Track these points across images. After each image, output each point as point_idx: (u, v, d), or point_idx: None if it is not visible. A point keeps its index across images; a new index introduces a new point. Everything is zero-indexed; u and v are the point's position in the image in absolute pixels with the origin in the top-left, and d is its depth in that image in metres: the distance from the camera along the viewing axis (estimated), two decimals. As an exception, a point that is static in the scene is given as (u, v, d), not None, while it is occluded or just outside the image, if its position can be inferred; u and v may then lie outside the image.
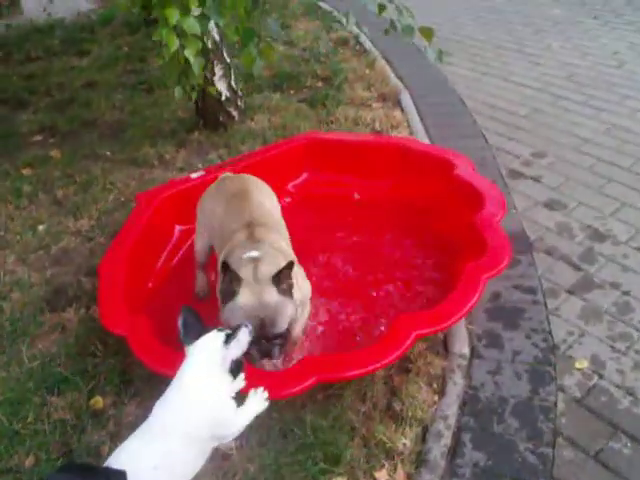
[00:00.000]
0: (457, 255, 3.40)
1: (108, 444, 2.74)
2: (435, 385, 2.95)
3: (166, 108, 5.75)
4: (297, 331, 3.02)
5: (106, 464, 2.07)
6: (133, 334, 2.86)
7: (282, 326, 2.72)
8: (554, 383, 2.93)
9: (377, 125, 5.07)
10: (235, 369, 2.35)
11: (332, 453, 2.65)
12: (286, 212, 3.52)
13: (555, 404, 2.85)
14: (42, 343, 3.32)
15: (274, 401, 2.52)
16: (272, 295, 2.69)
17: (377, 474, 2.61)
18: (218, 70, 5.05)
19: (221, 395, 2.29)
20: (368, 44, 7.18)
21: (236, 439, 2.50)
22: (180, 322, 2.39)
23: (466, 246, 3.40)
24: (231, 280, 2.70)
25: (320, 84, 6.06)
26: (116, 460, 2.08)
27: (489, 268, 3.07)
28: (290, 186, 4.28)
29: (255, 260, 2.80)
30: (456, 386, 2.94)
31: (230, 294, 2.71)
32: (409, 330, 2.75)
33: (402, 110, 5.46)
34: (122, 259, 3.36)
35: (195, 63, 3.50)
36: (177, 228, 3.92)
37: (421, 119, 5.31)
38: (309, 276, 3.16)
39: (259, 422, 2.50)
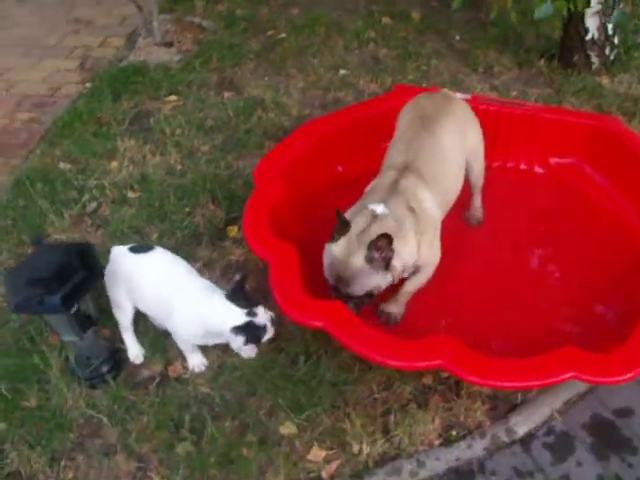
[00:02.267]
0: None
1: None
2: (453, 432, 2.55)
3: (547, 22, 5.15)
4: (406, 287, 2.87)
5: None
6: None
7: (356, 291, 2.65)
8: None
9: None
10: (237, 347, 2.56)
11: (304, 402, 2.59)
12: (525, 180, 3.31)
13: None
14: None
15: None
16: (358, 260, 2.58)
17: (312, 453, 2.48)
18: (595, 3, 4.33)
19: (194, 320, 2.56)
20: None
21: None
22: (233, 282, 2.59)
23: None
24: (340, 224, 2.64)
25: None
26: None
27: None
28: (552, 161, 3.69)
29: (374, 217, 2.66)
30: (467, 450, 2.51)
31: (333, 236, 2.67)
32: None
33: None
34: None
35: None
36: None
37: None
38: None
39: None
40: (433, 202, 2.84)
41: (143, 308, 2.73)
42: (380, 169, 2.96)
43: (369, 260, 2.56)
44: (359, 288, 2.62)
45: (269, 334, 2.51)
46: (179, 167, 3.79)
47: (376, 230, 2.57)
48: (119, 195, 3.61)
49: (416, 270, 2.83)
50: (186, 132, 4.05)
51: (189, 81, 4.53)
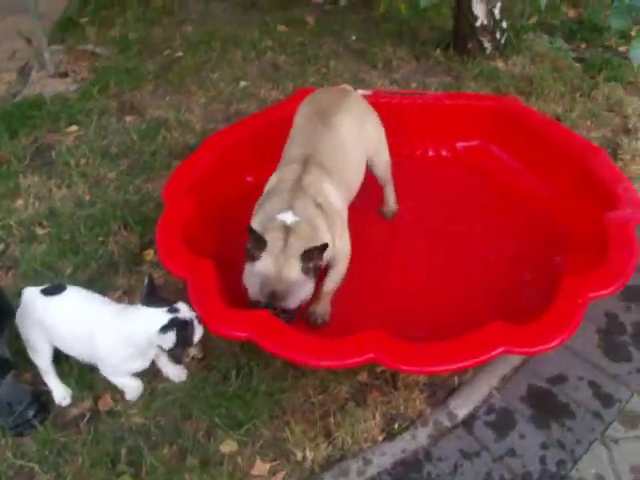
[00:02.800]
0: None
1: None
2: (395, 425, 2.51)
3: (437, 14, 5.28)
4: (326, 288, 2.83)
5: None
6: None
7: (293, 304, 2.60)
8: None
9: (632, 122, 4.09)
10: (170, 349, 2.43)
11: (241, 417, 2.51)
12: (434, 166, 3.36)
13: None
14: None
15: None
16: (293, 272, 2.54)
17: (256, 467, 2.40)
18: (480, -11, 4.45)
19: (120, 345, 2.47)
20: None
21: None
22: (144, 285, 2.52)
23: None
24: (255, 242, 2.57)
25: (622, 47, 4.94)
26: None
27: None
28: (459, 145, 3.75)
29: (288, 229, 2.60)
30: (412, 441, 2.48)
31: (251, 255, 2.59)
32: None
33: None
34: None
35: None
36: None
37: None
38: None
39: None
40: (337, 195, 2.83)
41: (65, 350, 2.61)
42: (279, 164, 2.94)
43: (305, 270, 2.54)
44: (295, 300, 2.59)
45: (198, 332, 2.42)
46: (87, 197, 3.67)
47: (297, 241, 2.54)
48: (27, 233, 3.46)
49: (331, 265, 2.81)
50: (91, 161, 3.93)
51: (88, 109, 4.41)
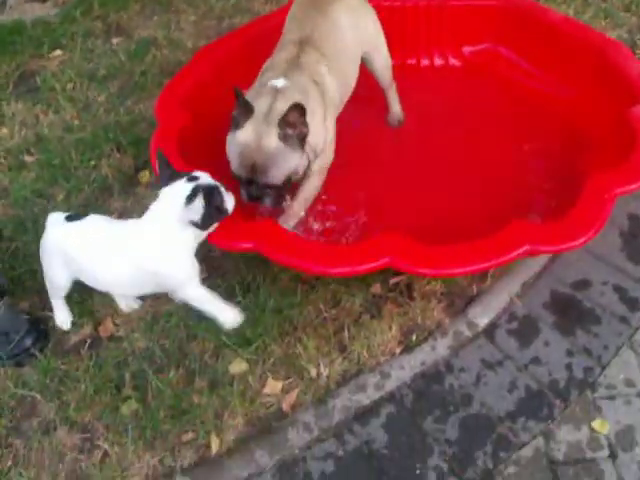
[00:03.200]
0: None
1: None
2: (413, 337, 2.40)
3: None
4: (302, 192, 2.63)
5: None
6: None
7: (275, 177, 2.39)
8: (541, 426, 2.15)
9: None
10: (204, 221, 2.17)
11: (249, 335, 2.40)
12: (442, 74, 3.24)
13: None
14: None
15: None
16: (272, 140, 2.34)
17: (268, 385, 2.31)
18: None
19: (173, 250, 2.23)
20: None
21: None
22: (157, 165, 2.29)
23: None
24: (241, 107, 2.38)
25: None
26: None
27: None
28: (466, 50, 3.53)
29: (276, 91, 2.43)
30: (431, 352, 2.38)
31: (235, 123, 2.41)
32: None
33: None
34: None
35: None
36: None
37: None
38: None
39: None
40: (332, 79, 2.65)
41: (93, 281, 2.39)
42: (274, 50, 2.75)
43: (283, 138, 2.34)
44: (278, 173, 2.38)
45: (229, 200, 2.24)
46: (76, 122, 3.48)
47: (282, 105, 2.35)
48: (15, 161, 3.29)
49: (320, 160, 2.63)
50: (78, 85, 3.72)
51: (72, 33, 4.15)
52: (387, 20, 3.11)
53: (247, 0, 4.31)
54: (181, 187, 2.16)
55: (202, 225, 2.16)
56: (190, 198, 2.12)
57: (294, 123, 2.32)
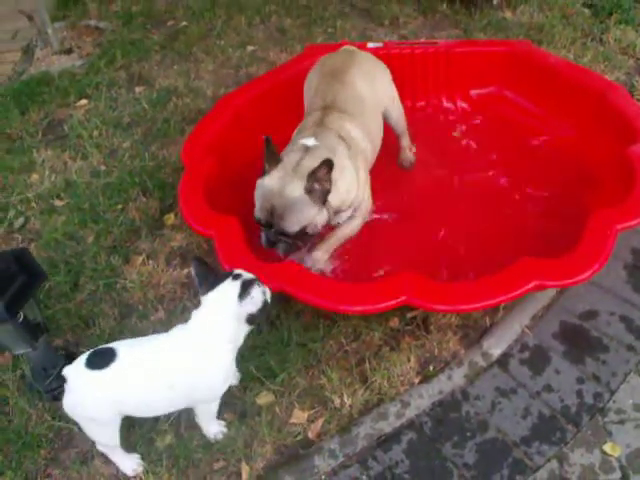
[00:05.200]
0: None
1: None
2: (430, 367, 2.53)
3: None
4: (335, 232, 2.83)
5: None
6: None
7: (291, 226, 2.56)
8: (555, 449, 2.25)
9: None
10: (253, 318, 2.18)
11: (276, 368, 2.52)
12: (451, 116, 3.38)
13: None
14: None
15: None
16: (295, 189, 2.53)
17: (295, 415, 2.42)
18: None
19: (221, 363, 2.20)
20: None
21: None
22: (193, 273, 2.26)
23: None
24: (269, 156, 2.59)
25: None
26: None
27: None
28: (473, 93, 3.72)
29: (306, 149, 2.64)
30: (448, 382, 2.50)
31: (265, 170, 2.61)
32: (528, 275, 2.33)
33: None
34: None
35: None
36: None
37: None
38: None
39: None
40: (360, 133, 2.85)
41: (139, 413, 2.29)
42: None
43: (308, 191, 2.51)
44: (294, 222, 2.54)
45: (267, 291, 2.21)
46: (103, 167, 3.66)
47: (310, 161, 2.54)
48: (46, 205, 3.46)
49: (355, 212, 2.83)
50: (104, 132, 3.92)
51: (97, 83, 4.38)
52: (397, 66, 3.31)
53: (263, 50, 4.54)
54: (229, 286, 2.14)
55: (259, 316, 2.16)
56: (243, 293, 2.12)
57: (321, 179, 2.50)
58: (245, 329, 2.20)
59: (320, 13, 4.89)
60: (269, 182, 2.57)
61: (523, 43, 3.72)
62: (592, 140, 3.14)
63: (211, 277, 2.19)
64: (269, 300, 2.21)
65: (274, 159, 2.59)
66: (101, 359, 2.13)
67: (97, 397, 2.14)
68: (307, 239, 2.68)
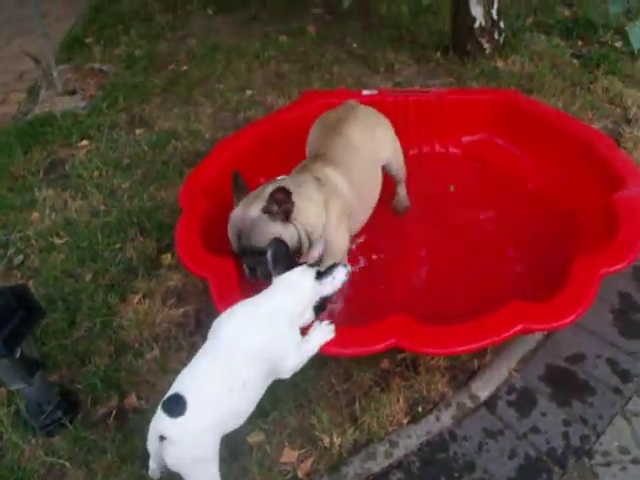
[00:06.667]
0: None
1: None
2: (419, 408, 2.57)
3: (435, 18, 5.39)
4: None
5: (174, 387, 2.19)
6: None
7: (256, 241, 2.61)
8: None
9: (632, 112, 4.15)
10: (320, 306, 2.39)
11: (267, 407, 2.54)
12: (442, 162, 3.52)
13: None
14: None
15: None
16: (254, 210, 2.62)
17: (285, 454, 2.46)
18: (476, -8, 4.55)
19: (292, 334, 2.32)
20: None
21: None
22: (269, 254, 2.44)
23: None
24: (237, 190, 2.73)
25: (618, 42, 5.00)
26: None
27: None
28: (465, 139, 3.83)
29: (273, 182, 2.73)
30: (436, 423, 2.54)
31: (234, 204, 2.73)
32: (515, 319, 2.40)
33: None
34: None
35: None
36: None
37: None
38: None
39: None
40: (343, 180, 2.91)
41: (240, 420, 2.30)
42: None
43: (266, 210, 2.59)
44: (259, 238, 2.60)
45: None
46: (102, 207, 3.74)
47: (272, 188, 2.61)
48: (45, 243, 3.52)
49: (322, 260, 2.86)
50: (104, 173, 4.01)
51: (99, 124, 4.49)
52: (392, 113, 3.41)
53: (261, 94, 4.66)
54: (305, 269, 2.38)
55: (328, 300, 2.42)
56: (320, 275, 2.36)
57: (280, 200, 2.57)
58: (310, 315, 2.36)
59: (317, 59, 5.04)
60: (236, 212, 2.67)
61: (512, 92, 3.86)
62: (579, 187, 3.22)
63: (287, 260, 2.41)
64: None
65: (242, 193, 2.70)
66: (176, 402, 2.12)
67: (198, 433, 2.13)
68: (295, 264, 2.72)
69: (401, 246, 3.27)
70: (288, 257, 2.45)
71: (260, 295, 2.36)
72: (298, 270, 2.39)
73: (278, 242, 2.46)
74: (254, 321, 2.28)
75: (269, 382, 2.32)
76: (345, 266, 2.42)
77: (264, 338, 2.24)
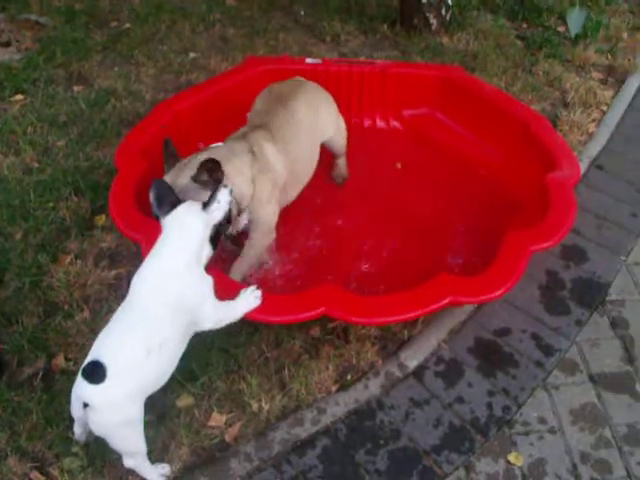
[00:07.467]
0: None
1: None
2: (348, 376, 2.61)
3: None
4: (243, 253, 2.85)
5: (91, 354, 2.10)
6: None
7: None
8: (463, 458, 2.36)
9: (570, 96, 4.24)
10: (214, 236, 2.33)
11: (197, 371, 2.57)
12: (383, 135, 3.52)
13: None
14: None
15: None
16: (184, 178, 2.56)
17: (213, 418, 2.47)
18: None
19: (196, 273, 2.27)
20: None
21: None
22: (152, 195, 2.36)
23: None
24: (168, 158, 2.65)
25: (561, 27, 5.11)
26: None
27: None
28: (406, 113, 3.84)
29: (207, 149, 2.71)
30: (365, 391, 2.58)
31: (164, 170, 2.66)
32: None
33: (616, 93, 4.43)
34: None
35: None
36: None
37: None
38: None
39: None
40: (278, 157, 2.89)
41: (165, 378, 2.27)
42: None
43: (195, 179, 2.54)
44: None
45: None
46: (36, 165, 3.62)
47: (204, 156, 2.57)
48: (-27, 200, 3.41)
49: (249, 231, 2.85)
50: (38, 129, 3.87)
51: (34, 79, 4.32)
52: (334, 83, 3.40)
53: (204, 57, 4.57)
54: (189, 204, 2.31)
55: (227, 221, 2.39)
56: (205, 205, 2.29)
57: (210, 169, 2.51)
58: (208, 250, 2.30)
59: (263, 25, 4.97)
60: (165, 180, 2.58)
61: (455, 68, 3.90)
62: (516, 166, 3.29)
63: (172, 198, 2.33)
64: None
65: (173, 160, 2.64)
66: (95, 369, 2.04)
67: (121, 399, 2.08)
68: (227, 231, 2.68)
69: (349, 221, 3.28)
70: (172, 196, 2.36)
71: (157, 243, 2.29)
72: (182, 206, 2.31)
73: (158, 182, 2.38)
74: (159, 271, 2.24)
75: (189, 336, 2.29)
76: (226, 186, 2.36)
77: (172, 285, 2.20)
